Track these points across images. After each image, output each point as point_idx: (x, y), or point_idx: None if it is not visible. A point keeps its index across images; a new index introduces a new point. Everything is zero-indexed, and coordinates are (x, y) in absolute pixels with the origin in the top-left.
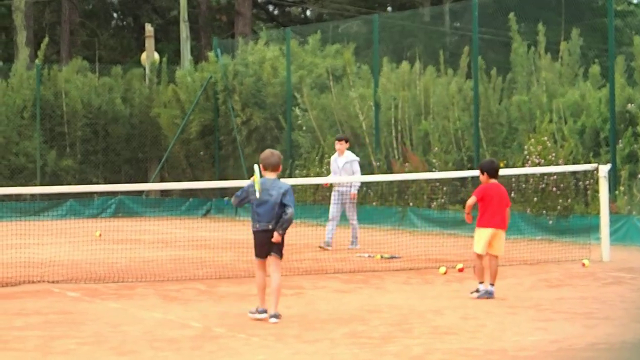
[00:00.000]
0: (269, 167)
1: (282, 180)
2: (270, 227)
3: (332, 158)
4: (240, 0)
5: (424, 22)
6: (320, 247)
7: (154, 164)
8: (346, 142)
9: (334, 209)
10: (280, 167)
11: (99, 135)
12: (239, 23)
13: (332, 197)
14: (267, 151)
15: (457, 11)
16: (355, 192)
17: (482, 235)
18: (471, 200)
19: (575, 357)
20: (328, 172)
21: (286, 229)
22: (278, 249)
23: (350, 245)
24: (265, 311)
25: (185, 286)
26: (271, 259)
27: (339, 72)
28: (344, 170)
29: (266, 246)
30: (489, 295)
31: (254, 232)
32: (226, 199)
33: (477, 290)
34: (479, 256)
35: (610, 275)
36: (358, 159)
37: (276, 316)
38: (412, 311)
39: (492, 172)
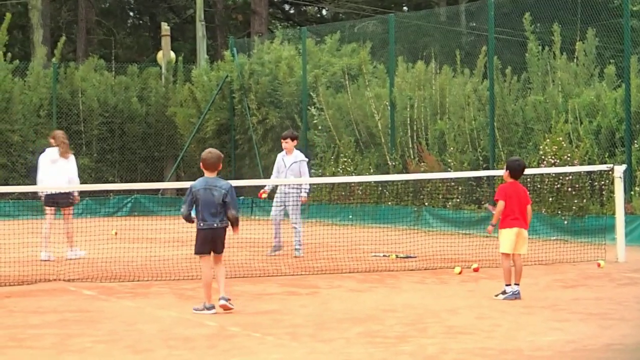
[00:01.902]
0: (209, 167)
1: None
2: (215, 225)
3: (279, 156)
4: (256, 0)
5: (440, 22)
6: (269, 255)
7: (170, 162)
8: (293, 140)
9: (275, 212)
10: (220, 166)
11: (115, 134)
12: (255, 22)
13: (275, 198)
14: (207, 151)
15: (473, 11)
16: (306, 196)
17: (507, 236)
18: (500, 205)
19: (591, 358)
20: (344, 172)
21: (238, 225)
22: (223, 245)
23: (296, 252)
24: (213, 307)
25: (201, 285)
26: (216, 255)
27: (355, 71)
28: (291, 170)
29: (211, 243)
30: (515, 296)
31: (200, 230)
32: (242, 198)
33: (504, 292)
34: (506, 256)
35: (625, 276)
36: (307, 159)
37: (227, 299)
38: (427, 311)
39: (514, 171)
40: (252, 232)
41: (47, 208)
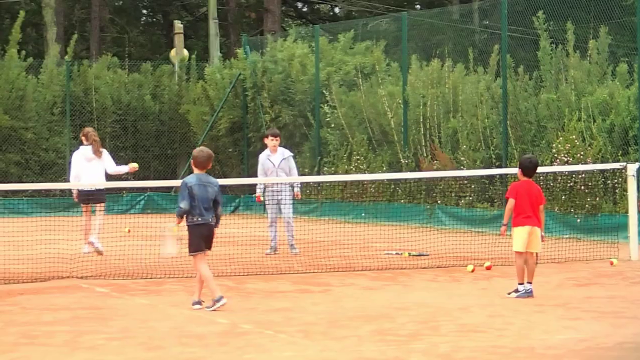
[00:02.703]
0: (199, 165)
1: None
2: (210, 220)
3: (264, 156)
4: None
5: (453, 20)
6: (268, 254)
7: (183, 160)
8: (279, 137)
9: (273, 212)
10: (210, 165)
11: (128, 131)
12: (267, 20)
13: (268, 198)
14: (199, 149)
15: (486, 9)
16: (299, 190)
17: (519, 234)
18: (510, 203)
19: (603, 356)
20: (357, 169)
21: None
22: (212, 242)
23: (293, 250)
24: (222, 297)
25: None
26: (204, 254)
27: (368, 69)
28: (281, 168)
29: (206, 239)
30: (528, 294)
31: (195, 226)
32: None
33: (516, 291)
34: (519, 255)
35: (638, 274)
36: (292, 154)
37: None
38: (439, 309)
39: (526, 169)
40: (265, 230)
41: (83, 205)
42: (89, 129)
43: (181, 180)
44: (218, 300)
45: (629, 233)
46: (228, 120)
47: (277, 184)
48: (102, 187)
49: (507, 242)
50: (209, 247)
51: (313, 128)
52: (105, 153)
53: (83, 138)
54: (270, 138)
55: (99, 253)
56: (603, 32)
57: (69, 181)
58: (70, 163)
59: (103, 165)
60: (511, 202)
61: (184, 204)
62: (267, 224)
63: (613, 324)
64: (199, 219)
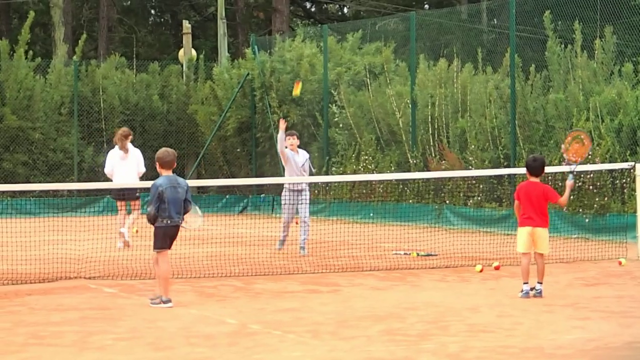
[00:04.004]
0: (165, 165)
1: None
2: (179, 222)
3: (289, 154)
4: None
5: (461, 20)
6: (279, 249)
7: (191, 160)
8: (296, 136)
9: (289, 213)
10: (175, 164)
11: (136, 131)
12: (276, 20)
13: (285, 199)
14: (163, 150)
15: (494, 9)
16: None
17: (520, 234)
18: (515, 205)
19: (612, 356)
20: (365, 169)
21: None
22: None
23: (302, 251)
24: (170, 300)
25: (222, 283)
26: (167, 251)
27: (378, 69)
28: (303, 168)
29: (170, 239)
30: (537, 293)
31: (163, 227)
32: (262, 195)
33: (521, 291)
34: (523, 255)
35: None
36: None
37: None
38: (448, 309)
39: (530, 168)
40: (273, 230)
41: (118, 202)
42: (120, 129)
43: (152, 183)
44: (165, 302)
45: (637, 233)
46: (236, 120)
47: (298, 184)
48: (133, 186)
49: (515, 242)
50: (170, 246)
51: (321, 128)
52: (136, 153)
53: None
54: (287, 137)
55: (127, 245)
56: (608, 31)
57: (104, 174)
58: (105, 159)
59: (135, 164)
60: (515, 203)
61: (150, 208)
62: (281, 223)
63: (621, 324)
64: (168, 222)
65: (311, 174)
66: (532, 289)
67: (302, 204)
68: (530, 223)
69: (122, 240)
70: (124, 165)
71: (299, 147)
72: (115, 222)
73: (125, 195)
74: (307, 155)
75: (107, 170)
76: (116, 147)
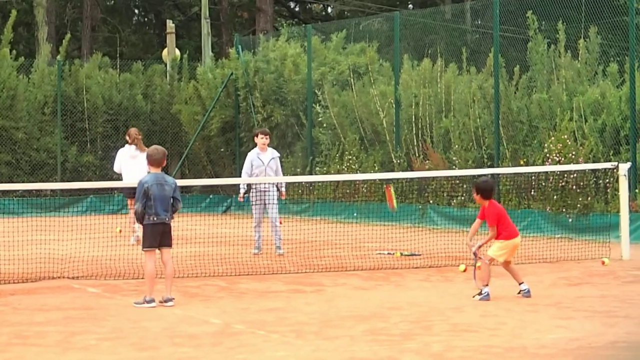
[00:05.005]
0: (154, 162)
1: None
2: (167, 220)
3: (253, 154)
4: None
5: (445, 20)
6: (254, 254)
7: (175, 160)
8: (269, 136)
9: (258, 212)
10: (165, 162)
11: (120, 131)
12: (260, 20)
13: (253, 198)
14: (153, 148)
15: (478, 9)
16: (284, 190)
17: (509, 246)
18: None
19: (595, 355)
20: (349, 169)
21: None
22: (170, 239)
23: (278, 250)
24: (153, 300)
25: (206, 283)
26: (165, 249)
27: (362, 69)
28: (269, 167)
29: (161, 237)
30: (525, 294)
31: (150, 225)
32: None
33: (480, 293)
34: (493, 262)
35: (630, 274)
36: (280, 155)
37: (171, 299)
38: (432, 308)
39: (481, 190)
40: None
41: (129, 200)
42: (133, 130)
43: (139, 181)
44: (148, 302)
45: (620, 232)
46: (220, 120)
47: (264, 184)
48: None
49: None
50: (168, 244)
51: (305, 128)
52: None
53: (128, 137)
54: (260, 136)
55: (139, 242)
56: (592, 31)
57: (114, 171)
58: (115, 157)
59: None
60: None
61: (137, 205)
62: (253, 224)
63: (605, 323)
64: (155, 219)
65: (281, 173)
66: (479, 293)
67: (270, 203)
68: (517, 234)
69: (136, 236)
70: (134, 164)
71: (274, 147)
72: (125, 220)
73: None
74: (275, 154)
75: (117, 168)
76: (126, 145)
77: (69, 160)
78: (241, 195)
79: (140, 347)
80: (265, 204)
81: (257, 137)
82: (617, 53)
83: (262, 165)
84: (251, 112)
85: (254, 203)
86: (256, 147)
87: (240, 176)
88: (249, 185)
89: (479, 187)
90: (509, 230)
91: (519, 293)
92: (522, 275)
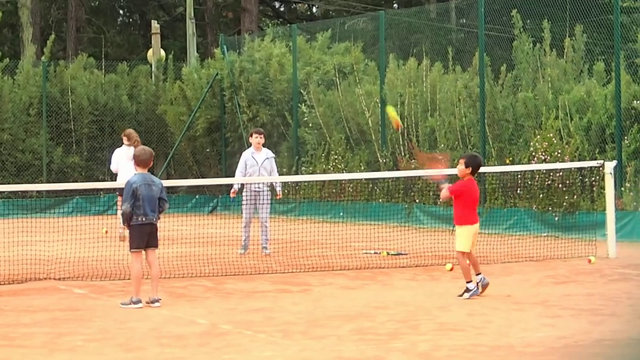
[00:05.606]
0: (141, 163)
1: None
2: (154, 220)
3: (247, 154)
4: None
5: (430, 19)
6: (240, 254)
7: (160, 160)
8: (263, 135)
9: (248, 212)
10: (152, 163)
11: (105, 132)
12: (245, 20)
13: (246, 197)
14: (140, 148)
15: (463, 8)
16: (280, 190)
17: (470, 232)
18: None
19: (582, 354)
20: (335, 169)
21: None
22: (157, 239)
23: (265, 250)
24: (140, 301)
25: (192, 283)
26: (151, 250)
27: (347, 69)
28: (264, 167)
29: (147, 238)
30: (484, 284)
31: (138, 225)
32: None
33: (468, 290)
34: (465, 254)
35: (616, 272)
36: (275, 155)
37: (158, 300)
38: (418, 308)
39: (476, 167)
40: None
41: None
42: (131, 131)
43: (126, 181)
44: (135, 303)
45: (606, 231)
46: (205, 120)
47: (257, 184)
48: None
49: (485, 241)
50: (154, 245)
51: (291, 128)
52: None
53: (124, 138)
54: (254, 135)
55: (124, 238)
56: (578, 30)
57: (110, 171)
58: (110, 158)
59: None
60: (446, 194)
61: (125, 205)
62: (242, 224)
63: (591, 322)
64: (143, 219)
65: (276, 173)
66: (467, 290)
67: (261, 204)
68: (477, 220)
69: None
70: (132, 166)
71: (265, 146)
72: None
73: None
74: (270, 154)
75: (113, 167)
76: (123, 146)
77: (54, 162)
78: (234, 190)
79: (126, 347)
80: (256, 205)
81: (251, 136)
82: (602, 51)
83: (256, 165)
84: (237, 112)
85: (245, 203)
86: (251, 146)
87: (225, 176)
88: (242, 184)
89: (475, 163)
90: (473, 215)
91: (479, 283)
92: (508, 273)
